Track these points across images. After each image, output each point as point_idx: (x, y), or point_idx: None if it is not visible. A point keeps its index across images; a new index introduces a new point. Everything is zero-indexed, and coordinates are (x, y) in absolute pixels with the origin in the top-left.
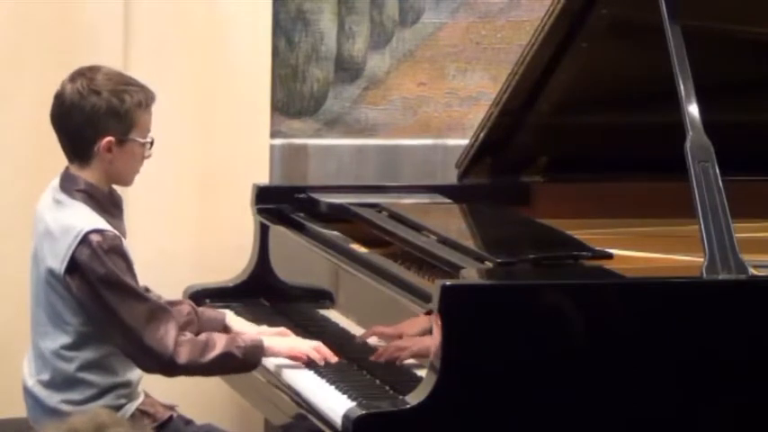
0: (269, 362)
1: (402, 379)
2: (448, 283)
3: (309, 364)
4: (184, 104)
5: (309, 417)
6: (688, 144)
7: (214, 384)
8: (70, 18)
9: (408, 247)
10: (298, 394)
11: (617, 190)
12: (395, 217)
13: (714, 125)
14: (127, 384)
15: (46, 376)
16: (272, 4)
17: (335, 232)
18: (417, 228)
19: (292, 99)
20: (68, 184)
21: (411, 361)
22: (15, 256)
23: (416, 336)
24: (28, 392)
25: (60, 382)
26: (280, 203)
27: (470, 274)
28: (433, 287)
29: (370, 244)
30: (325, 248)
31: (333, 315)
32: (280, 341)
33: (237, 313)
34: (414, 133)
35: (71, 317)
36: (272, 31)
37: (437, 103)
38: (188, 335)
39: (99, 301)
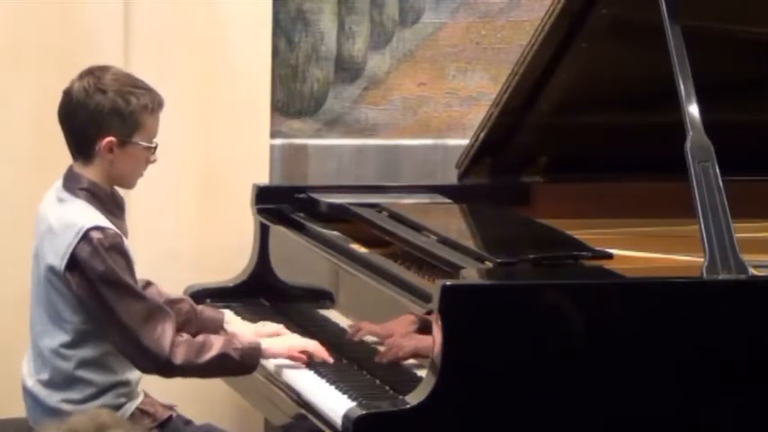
0: (269, 362)
1: (402, 379)
2: (448, 283)
3: (309, 363)
4: (184, 105)
5: (309, 417)
6: (688, 144)
7: (214, 384)
8: (70, 18)
9: (408, 247)
10: (298, 394)
11: (617, 190)
12: (395, 217)
13: (714, 125)
14: (126, 383)
15: (45, 375)
16: (272, 4)
17: (335, 232)
18: (417, 228)
19: (292, 99)
20: (71, 183)
21: (411, 361)
22: (15, 257)
23: (411, 333)
24: (27, 392)
25: (60, 382)
26: (280, 203)
27: (470, 274)
28: (433, 287)
29: (370, 244)
30: (326, 248)
31: (333, 315)
32: (277, 342)
33: (237, 313)
34: (414, 133)
35: (70, 315)
36: (272, 31)
37: (437, 103)
38: (185, 336)
39: (97, 298)
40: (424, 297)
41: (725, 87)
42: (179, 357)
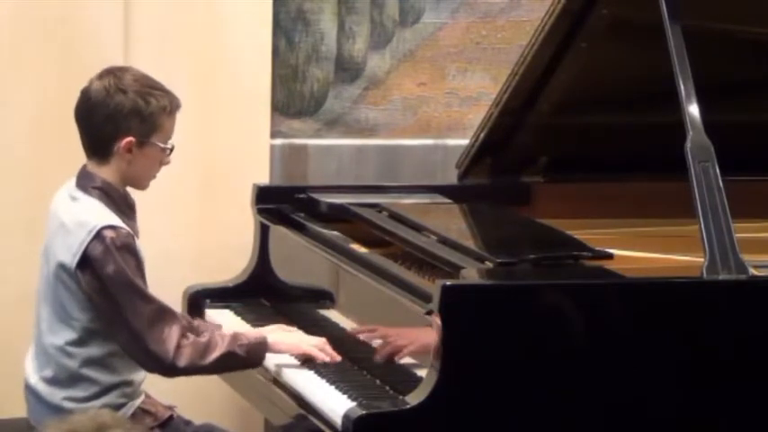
0: (269, 362)
1: (402, 379)
2: (448, 283)
3: (310, 363)
4: (185, 104)
5: (309, 417)
6: (688, 144)
7: (214, 384)
8: (70, 18)
9: (408, 248)
10: (298, 394)
11: (617, 190)
12: (395, 217)
13: (714, 125)
14: (129, 383)
15: (49, 373)
16: (272, 4)
17: (335, 232)
18: (417, 228)
19: (292, 99)
20: (85, 181)
21: (411, 361)
22: (16, 256)
23: (410, 334)
24: (30, 390)
25: (63, 379)
26: (280, 203)
27: (470, 274)
28: (434, 287)
29: (370, 244)
30: (326, 248)
31: (333, 315)
32: (285, 337)
33: (237, 313)
34: (414, 133)
35: (78, 312)
36: (272, 31)
37: (437, 103)
38: (191, 337)
39: (106, 297)
40: (424, 297)
41: (725, 87)
42: (183, 360)
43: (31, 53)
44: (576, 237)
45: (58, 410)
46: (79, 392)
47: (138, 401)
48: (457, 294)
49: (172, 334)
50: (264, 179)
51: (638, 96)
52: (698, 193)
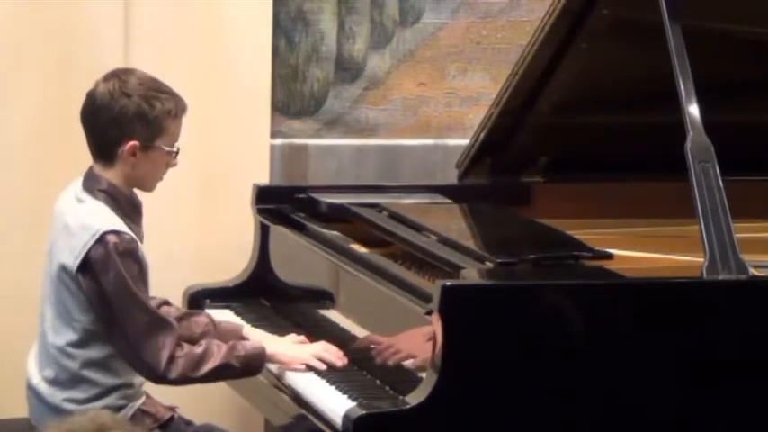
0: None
1: (402, 379)
2: (448, 283)
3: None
4: None
5: (309, 417)
6: (688, 144)
7: (215, 385)
8: (70, 18)
9: (408, 248)
10: (298, 394)
11: (617, 190)
12: (395, 217)
13: (714, 125)
14: (130, 385)
15: (50, 373)
16: (272, 4)
17: (335, 232)
18: (417, 228)
19: (292, 99)
20: (91, 184)
21: (411, 361)
22: (16, 257)
23: (409, 334)
24: (32, 390)
25: (64, 380)
26: (280, 203)
27: (470, 274)
28: (434, 287)
29: (370, 244)
30: (326, 248)
31: (333, 315)
32: (284, 348)
33: (237, 313)
34: (414, 133)
35: (80, 314)
36: (272, 31)
37: (437, 103)
38: (186, 348)
39: (104, 302)
40: (424, 297)
41: (725, 87)
42: (174, 372)
43: (31, 53)
44: (575, 237)
45: (58, 411)
46: (80, 394)
47: (138, 403)
48: (457, 294)
49: (166, 345)
50: (264, 179)
51: (638, 96)
52: (698, 193)
